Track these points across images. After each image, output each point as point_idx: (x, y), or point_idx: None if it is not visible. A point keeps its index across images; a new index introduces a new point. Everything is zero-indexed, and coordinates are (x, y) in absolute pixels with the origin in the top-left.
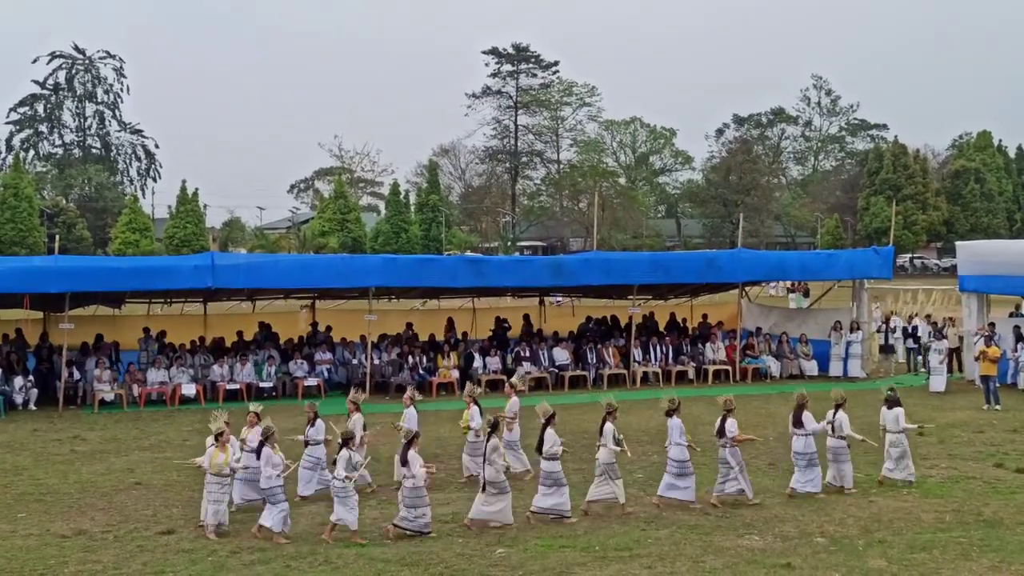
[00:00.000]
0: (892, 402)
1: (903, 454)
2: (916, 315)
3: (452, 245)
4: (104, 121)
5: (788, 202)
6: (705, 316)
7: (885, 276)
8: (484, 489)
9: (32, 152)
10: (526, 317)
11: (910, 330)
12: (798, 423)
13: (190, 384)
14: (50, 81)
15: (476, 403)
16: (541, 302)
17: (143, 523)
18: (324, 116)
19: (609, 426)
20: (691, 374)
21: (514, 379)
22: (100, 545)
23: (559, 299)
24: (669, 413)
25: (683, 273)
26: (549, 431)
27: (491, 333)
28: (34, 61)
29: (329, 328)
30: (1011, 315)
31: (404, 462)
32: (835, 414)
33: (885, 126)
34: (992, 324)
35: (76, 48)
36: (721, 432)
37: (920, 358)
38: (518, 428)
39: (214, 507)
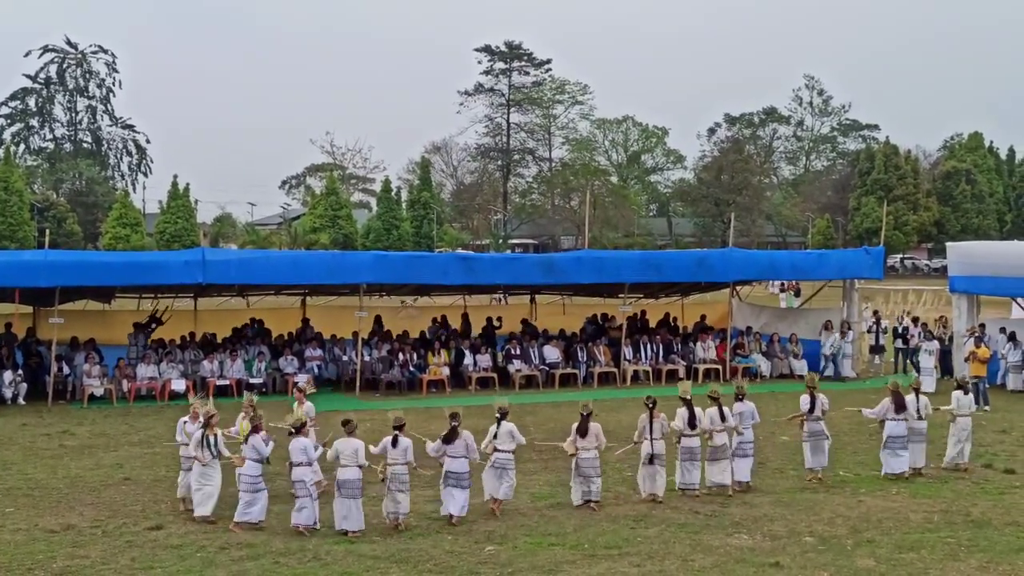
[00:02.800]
0: (966, 387)
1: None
2: (908, 314)
3: (443, 242)
4: (95, 116)
5: (779, 202)
6: (703, 317)
7: (876, 276)
8: (652, 462)
9: (23, 146)
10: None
11: (900, 330)
12: (901, 408)
13: (180, 380)
14: (41, 75)
15: (254, 409)
16: (532, 300)
17: (132, 518)
18: (321, 115)
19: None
20: (681, 372)
21: (301, 383)
22: (88, 540)
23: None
24: (739, 397)
25: (674, 272)
26: (711, 410)
27: (481, 331)
28: (26, 55)
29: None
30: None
31: (584, 433)
32: (917, 399)
33: (876, 126)
34: (983, 325)
35: (68, 42)
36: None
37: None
38: (313, 434)
39: (401, 497)
